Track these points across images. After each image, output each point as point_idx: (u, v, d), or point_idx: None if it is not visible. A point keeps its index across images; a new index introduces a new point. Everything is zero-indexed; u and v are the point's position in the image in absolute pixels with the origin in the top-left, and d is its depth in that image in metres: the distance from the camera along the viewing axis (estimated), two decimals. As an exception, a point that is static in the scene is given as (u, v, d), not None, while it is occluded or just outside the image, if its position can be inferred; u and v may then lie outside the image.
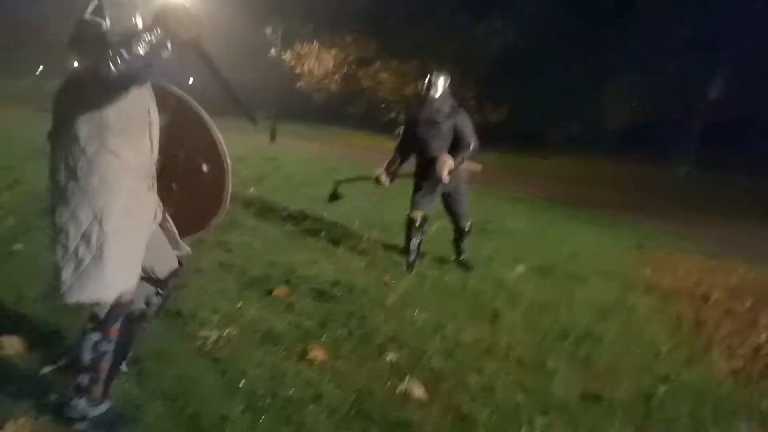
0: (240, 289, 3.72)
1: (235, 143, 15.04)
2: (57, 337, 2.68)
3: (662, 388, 2.95)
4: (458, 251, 4.91)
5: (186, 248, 2.27)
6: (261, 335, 3.02)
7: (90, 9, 1.83)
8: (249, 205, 6.54)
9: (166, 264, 2.19)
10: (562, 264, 5.49)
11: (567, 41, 23.69)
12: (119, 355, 2.11)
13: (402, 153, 4.87)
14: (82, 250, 1.88)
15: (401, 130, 5.04)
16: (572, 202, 12.05)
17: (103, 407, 2.07)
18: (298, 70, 25.64)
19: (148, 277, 2.14)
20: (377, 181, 4.88)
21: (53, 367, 2.40)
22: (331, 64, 25.47)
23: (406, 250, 4.66)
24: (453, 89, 4.61)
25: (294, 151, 15.31)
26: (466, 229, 4.85)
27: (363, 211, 6.77)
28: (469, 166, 4.75)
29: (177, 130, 2.20)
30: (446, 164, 4.38)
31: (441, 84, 4.47)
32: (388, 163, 4.89)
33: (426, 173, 4.57)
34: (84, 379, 2.03)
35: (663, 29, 21.63)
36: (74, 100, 1.89)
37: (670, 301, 4.82)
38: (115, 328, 2.02)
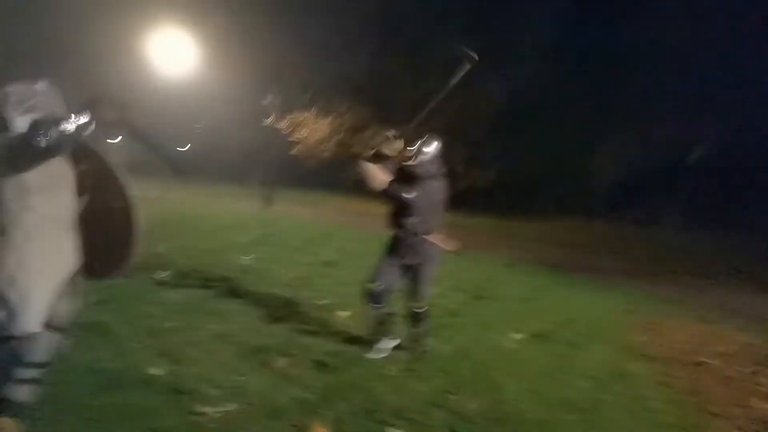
0: (239, 361, 3.68)
1: (229, 211, 15.18)
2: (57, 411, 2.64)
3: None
4: (412, 335, 4.14)
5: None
6: (263, 411, 2.98)
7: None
8: (246, 272, 6.54)
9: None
10: (559, 331, 5.50)
11: (556, 104, 24.51)
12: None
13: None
14: (10, 293, 2.28)
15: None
16: (564, 266, 12.13)
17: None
18: (293, 138, 26.22)
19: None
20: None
21: None
22: (326, 132, 26.10)
23: (372, 326, 4.19)
24: (443, 156, 4.08)
25: (289, 216, 15.42)
26: (420, 311, 4.08)
27: (361, 277, 6.78)
28: (444, 242, 4.10)
29: (92, 177, 2.64)
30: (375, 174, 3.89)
31: (432, 149, 4.01)
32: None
33: (397, 242, 4.08)
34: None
35: (654, 89, 22.60)
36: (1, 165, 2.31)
37: (669, 368, 4.81)
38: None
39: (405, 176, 3.99)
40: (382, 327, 4.16)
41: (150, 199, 17.83)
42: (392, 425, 2.96)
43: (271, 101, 20.52)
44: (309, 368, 3.69)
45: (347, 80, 26.33)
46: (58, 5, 17.75)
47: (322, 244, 9.90)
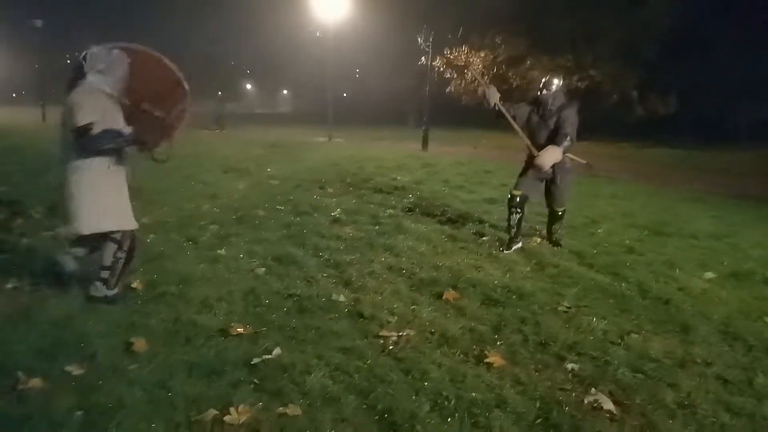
0: (411, 292, 3.87)
1: (390, 152, 15.62)
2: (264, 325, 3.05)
3: None
4: (549, 230, 5.43)
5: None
6: (437, 337, 3.12)
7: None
8: (410, 210, 6.76)
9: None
10: (761, 270, 4.83)
11: (743, 16, 20.66)
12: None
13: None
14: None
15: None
16: (763, 199, 10.52)
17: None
18: (447, 75, 25.85)
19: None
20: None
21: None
22: (480, 67, 25.26)
23: (507, 227, 5.21)
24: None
25: (447, 156, 15.46)
26: (559, 213, 5.30)
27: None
28: (575, 158, 5.19)
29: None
30: (550, 155, 4.76)
31: (554, 85, 5.00)
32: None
33: (533, 161, 4.98)
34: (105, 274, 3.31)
35: None
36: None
37: None
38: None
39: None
40: (517, 230, 5.11)
41: (319, 144, 19.11)
42: (569, 359, 2.90)
43: (424, 41, 20.28)
44: (477, 301, 3.75)
45: (499, 13, 24.91)
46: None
47: (482, 182, 9.80)
